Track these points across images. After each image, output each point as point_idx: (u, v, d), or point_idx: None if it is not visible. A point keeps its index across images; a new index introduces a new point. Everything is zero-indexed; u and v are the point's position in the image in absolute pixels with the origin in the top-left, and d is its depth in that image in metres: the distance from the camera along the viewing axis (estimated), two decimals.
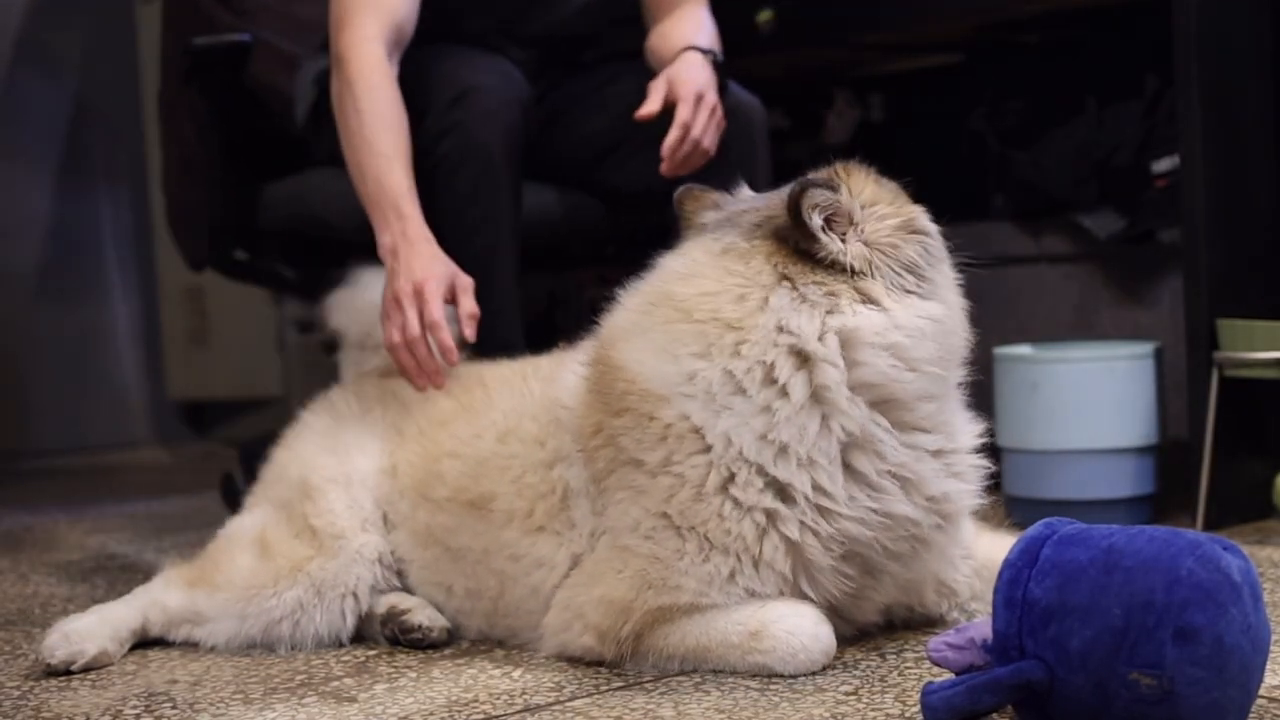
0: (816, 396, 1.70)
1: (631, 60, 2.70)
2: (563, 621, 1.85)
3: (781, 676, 1.73)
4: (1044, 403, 2.61)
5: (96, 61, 5.13)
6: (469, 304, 2.16)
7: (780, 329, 1.71)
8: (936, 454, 1.78)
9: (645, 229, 2.58)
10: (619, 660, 1.81)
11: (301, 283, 3.16)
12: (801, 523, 1.72)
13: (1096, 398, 2.60)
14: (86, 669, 1.96)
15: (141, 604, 2.08)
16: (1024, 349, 2.74)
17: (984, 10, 2.97)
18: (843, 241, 1.74)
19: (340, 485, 2.10)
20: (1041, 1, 2.93)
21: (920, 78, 3.53)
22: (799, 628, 1.73)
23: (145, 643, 2.08)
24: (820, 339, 1.71)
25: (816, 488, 1.71)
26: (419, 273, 2.14)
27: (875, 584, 1.82)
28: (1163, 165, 2.88)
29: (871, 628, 1.89)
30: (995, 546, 1.91)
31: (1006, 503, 2.62)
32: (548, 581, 1.90)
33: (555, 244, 2.88)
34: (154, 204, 5.09)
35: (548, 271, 3.42)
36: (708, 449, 1.73)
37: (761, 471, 1.72)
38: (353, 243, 2.50)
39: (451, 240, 2.30)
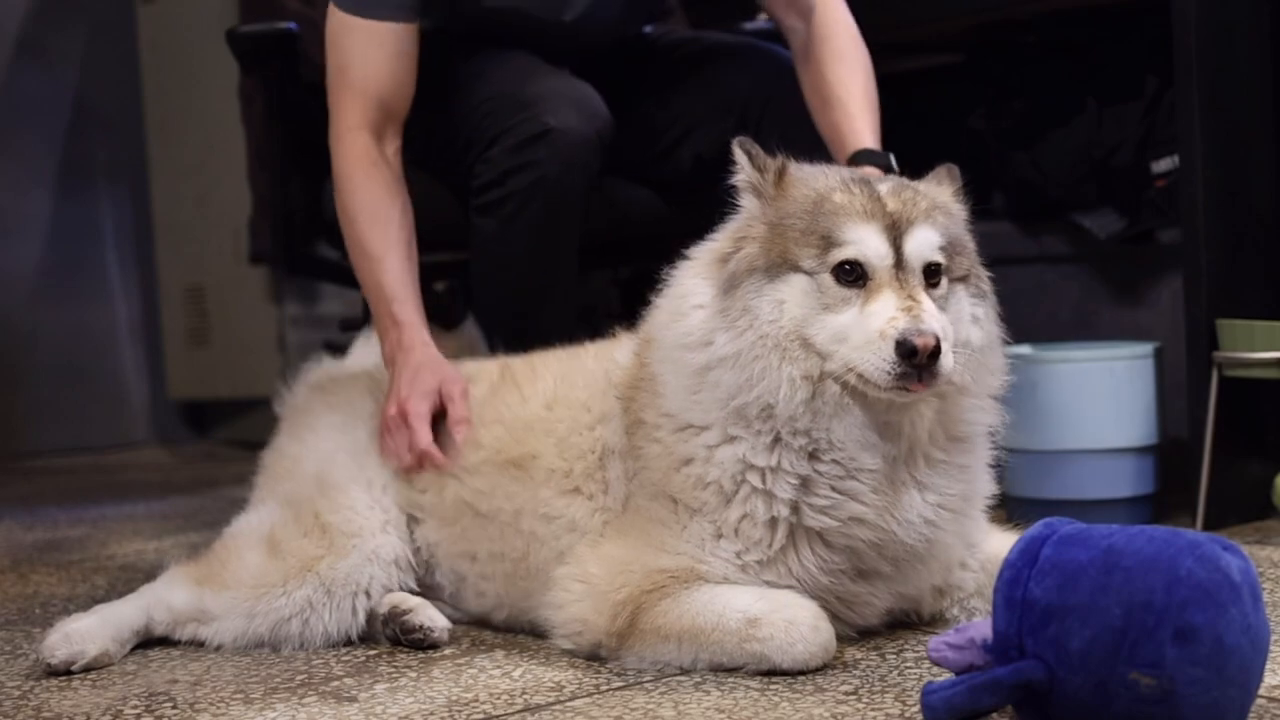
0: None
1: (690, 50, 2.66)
2: (567, 576, 1.87)
3: (778, 672, 1.73)
4: (1044, 403, 2.61)
5: (96, 61, 5.13)
6: (458, 410, 2.13)
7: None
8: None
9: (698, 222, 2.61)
10: (612, 639, 1.80)
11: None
12: (770, 493, 1.77)
13: (1096, 398, 2.60)
14: (87, 669, 1.96)
15: (145, 603, 2.08)
16: (1024, 349, 2.74)
17: (984, 10, 2.97)
18: None
19: (362, 485, 2.12)
20: (1041, 1, 2.93)
21: (920, 78, 3.53)
22: (798, 619, 1.73)
23: (147, 642, 2.08)
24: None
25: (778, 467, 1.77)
26: (403, 392, 2.15)
27: (872, 589, 1.84)
28: (1163, 165, 2.88)
29: (873, 628, 1.90)
30: (1003, 543, 1.92)
31: (1007, 503, 2.62)
32: (574, 546, 1.92)
33: (616, 238, 2.85)
34: (154, 204, 5.10)
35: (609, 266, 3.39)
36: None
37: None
38: None
39: (505, 268, 2.36)
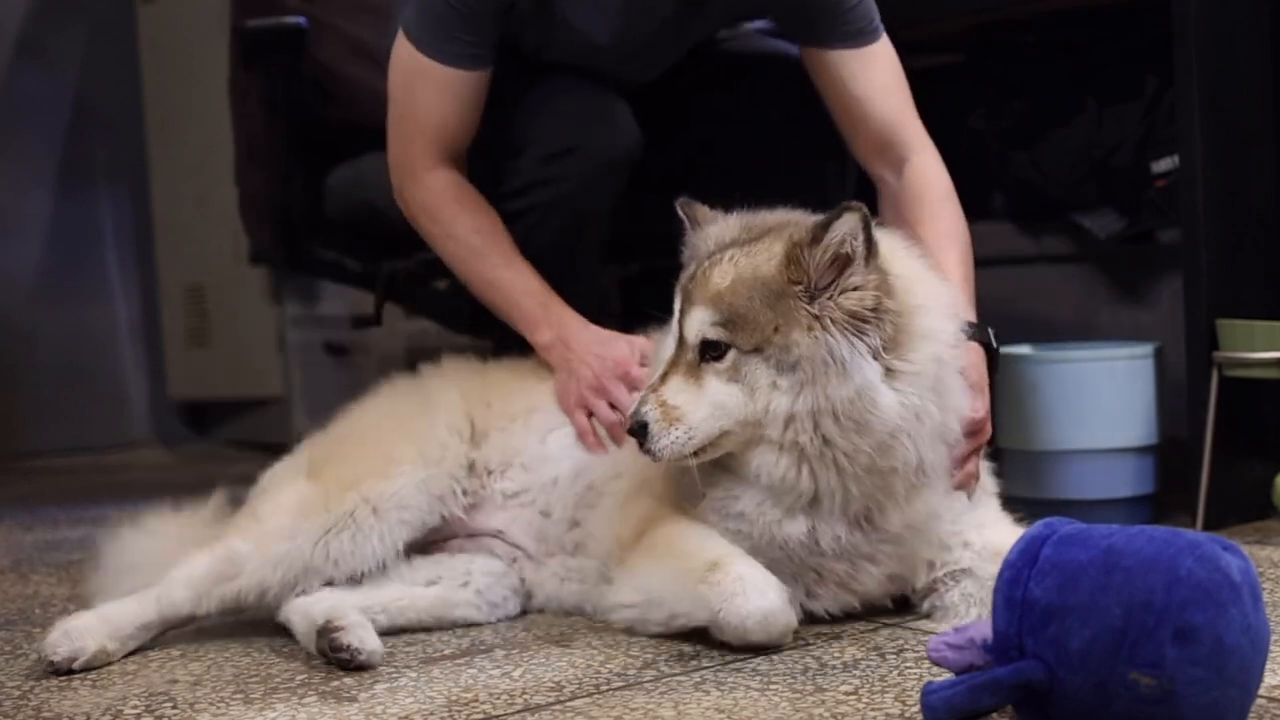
0: None
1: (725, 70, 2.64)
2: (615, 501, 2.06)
3: (724, 630, 1.82)
4: (1044, 403, 2.61)
5: (96, 61, 5.13)
6: (637, 370, 2.20)
7: None
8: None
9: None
10: (622, 549, 1.97)
11: (365, 276, 3.13)
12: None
13: (1096, 398, 2.60)
14: (88, 667, 1.96)
15: (154, 594, 2.05)
16: (1024, 349, 2.74)
17: (984, 10, 2.96)
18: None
19: (418, 433, 2.17)
20: (1041, 1, 2.93)
21: (920, 78, 3.52)
22: (750, 578, 1.83)
23: (147, 643, 2.08)
24: None
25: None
26: (595, 365, 2.19)
27: (854, 569, 1.94)
28: (1163, 165, 2.88)
29: (880, 604, 2.00)
30: (1008, 535, 1.92)
31: (1006, 503, 2.62)
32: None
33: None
34: (154, 204, 5.10)
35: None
36: None
37: None
38: (400, 232, 2.50)
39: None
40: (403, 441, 2.15)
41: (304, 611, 2.01)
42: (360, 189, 2.82)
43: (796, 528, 1.89)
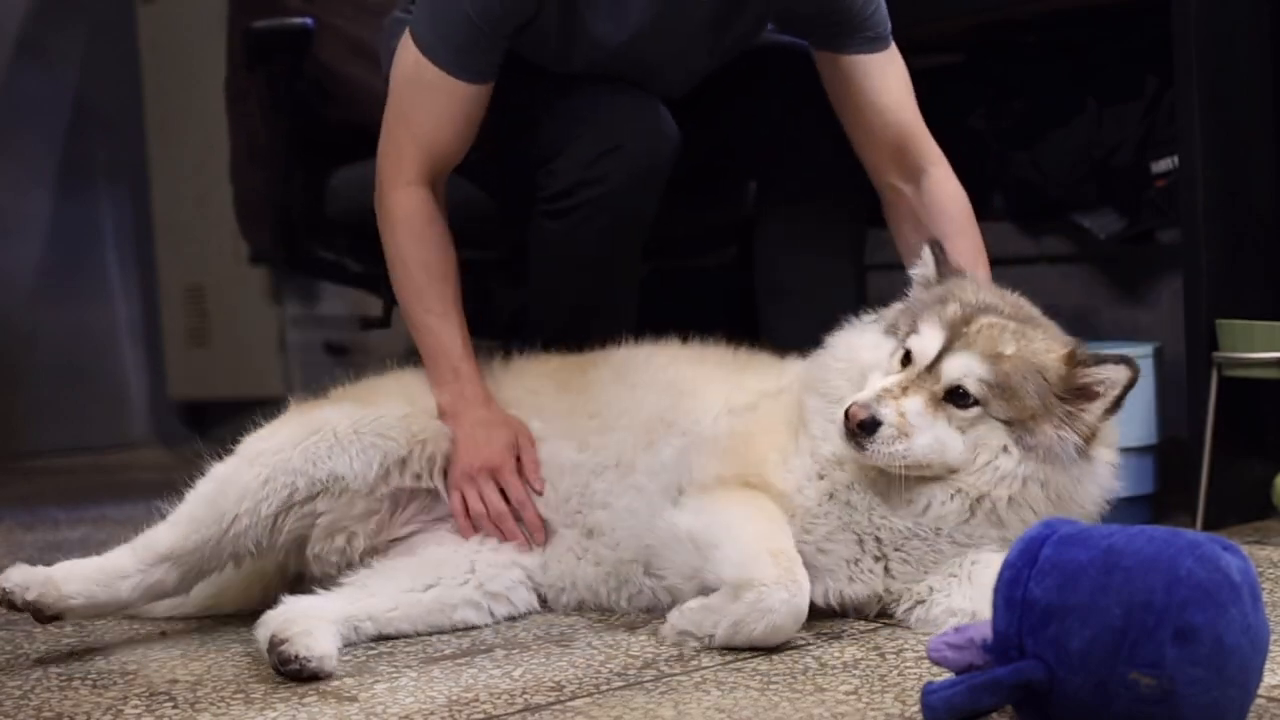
0: None
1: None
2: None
3: (742, 590, 1.87)
4: None
5: (96, 61, 5.14)
6: (529, 455, 2.23)
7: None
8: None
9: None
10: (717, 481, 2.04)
11: (366, 277, 3.13)
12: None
13: None
14: (35, 609, 2.00)
15: (129, 546, 2.11)
16: None
17: (984, 10, 2.96)
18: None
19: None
20: (1041, 1, 2.93)
21: (920, 77, 3.52)
22: (792, 595, 1.87)
23: (148, 642, 2.08)
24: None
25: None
26: (488, 449, 2.21)
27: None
28: (1162, 165, 2.88)
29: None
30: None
31: None
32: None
33: None
34: (154, 204, 5.10)
35: None
36: None
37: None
38: None
39: (567, 271, 2.40)
40: (393, 391, 2.28)
41: (264, 624, 1.96)
42: (367, 191, 2.82)
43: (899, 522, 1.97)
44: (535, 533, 2.20)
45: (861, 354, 2.03)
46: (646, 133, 2.39)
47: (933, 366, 1.92)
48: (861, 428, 1.88)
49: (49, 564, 2.05)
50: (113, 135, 5.16)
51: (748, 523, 1.96)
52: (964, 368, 1.91)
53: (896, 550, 1.97)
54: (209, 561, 2.11)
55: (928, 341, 1.94)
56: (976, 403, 1.91)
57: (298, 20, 2.86)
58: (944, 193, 2.37)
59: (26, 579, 2.00)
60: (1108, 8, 2.93)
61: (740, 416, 2.11)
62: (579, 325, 2.44)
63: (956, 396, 1.91)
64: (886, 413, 1.88)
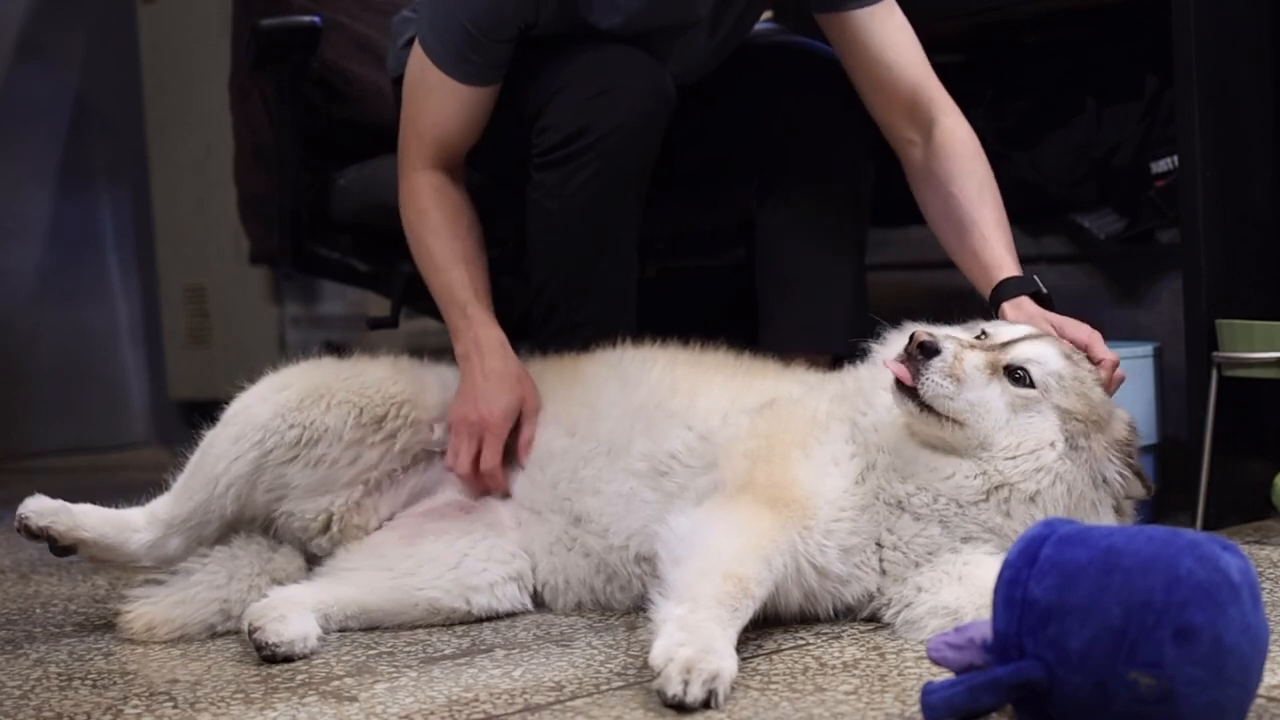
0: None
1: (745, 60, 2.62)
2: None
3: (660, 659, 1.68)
4: None
5: (96, 61, 5.13)
6: (529, 430, 2.24)
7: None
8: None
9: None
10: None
11: (373, 277, 3.13)
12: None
13: None
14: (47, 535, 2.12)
15: (141, 507, 2.23)
16: None
17: (984, 10, 2.96)
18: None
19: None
20: (1041, 1, 2.93)
21: None
22: (716, 658, 1.67)
23: (148, 643, 2.08)
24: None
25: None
26: (486, 406, 2.21)
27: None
28: (1162, 165, 2.88)
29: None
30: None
31: None
32: None
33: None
34: (154, 204, 5.10)
35: None
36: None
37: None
38: None
39: (563, 222, 2.36)
40: (381, 361, 2.32)
41: (246, 615, 2.02)
42: (375, 190, 2.82)
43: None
44: (496, 489, 2.23)
45: (949, 331, 2.03)
46: (638, 80, 2.36)
47: (1006, 345, 1.93)
48: (921, 349, 1.86)
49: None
50: (113, 135, 5.16)
51: (723, 553, 1.84)
52: (1037, 353, 1.92)
53: (890, 533, 1.94)
54: (205, 526, 2.19)
55: (1007, 327, 1.99)
56: (1034, 386, 1.90)
57: (306, 18, 2.86)
58: (951, 136, 2.37)
59: (43, 507, 2.16)
60: (1108, 8, 2.93)
61: (760, 415, 2.09)
62: (578, 282, 2.41)
63: (1016, 376, 1.90)
64: (949, 345, 1.88)
